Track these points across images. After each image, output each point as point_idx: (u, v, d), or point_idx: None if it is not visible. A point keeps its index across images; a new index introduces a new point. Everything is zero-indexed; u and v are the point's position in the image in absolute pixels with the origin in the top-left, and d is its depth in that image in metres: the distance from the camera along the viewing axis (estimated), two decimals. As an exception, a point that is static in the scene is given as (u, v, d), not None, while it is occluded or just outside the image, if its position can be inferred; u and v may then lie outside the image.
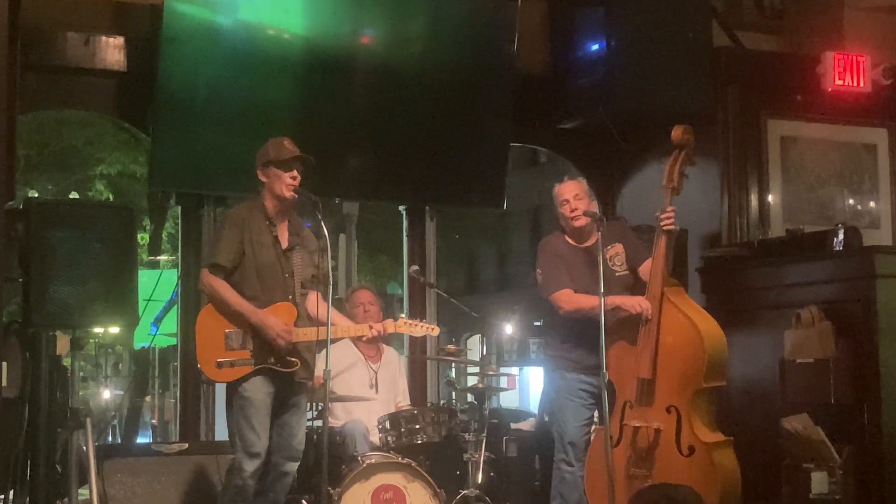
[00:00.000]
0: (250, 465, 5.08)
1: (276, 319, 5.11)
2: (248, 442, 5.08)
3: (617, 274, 5.75)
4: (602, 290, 5.26)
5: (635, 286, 5.78)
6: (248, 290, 5.17)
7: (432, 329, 5.62)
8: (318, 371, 5.32)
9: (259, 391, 5.12)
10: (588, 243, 5.79)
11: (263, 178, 5.29)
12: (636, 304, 5.50)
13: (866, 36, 7.72)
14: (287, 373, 5.17)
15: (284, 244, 5.29)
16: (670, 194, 5.59)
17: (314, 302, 5.29)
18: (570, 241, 5.85)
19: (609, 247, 5.74)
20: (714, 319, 5.58)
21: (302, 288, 5.30)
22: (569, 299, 5.64)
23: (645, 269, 5.74)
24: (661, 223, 5.53)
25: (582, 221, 5.74)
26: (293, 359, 5.17)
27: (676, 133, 5.62)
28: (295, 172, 5.22)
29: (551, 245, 5.87)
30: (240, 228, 5.21)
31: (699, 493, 5.00)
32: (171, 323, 8.94)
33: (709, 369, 5.40)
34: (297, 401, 5.30)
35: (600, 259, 5.39)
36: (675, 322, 5.47)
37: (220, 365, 5.11)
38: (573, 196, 5.79)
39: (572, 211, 5.75)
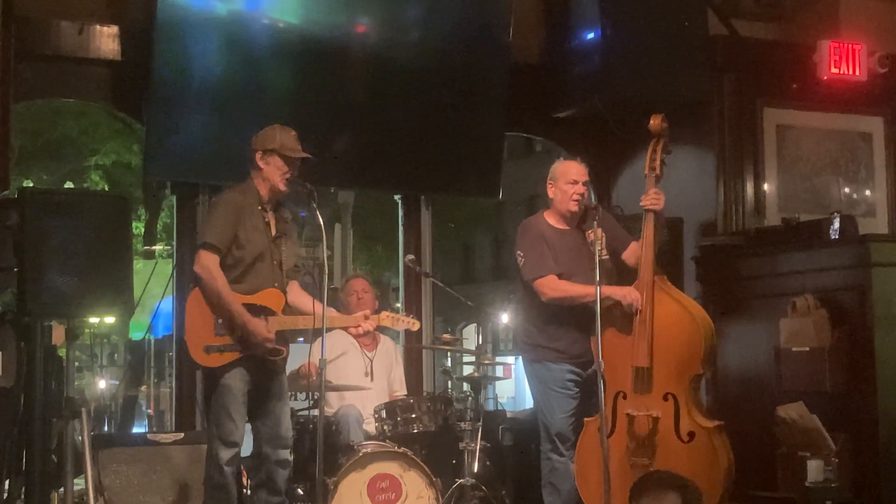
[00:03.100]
0: (226, 454, 5.08)
1: (259, 324, 5.08)
2: (226, 430, 5.08)
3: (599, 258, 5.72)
4: (598, 280, 5.24)
5: (620, 272, 5.75)
6: (237, 275, 5.15)
7: (413, 324, 5.59)
8: (314, 359, 5.31)
9: (238, 380, 5.11)
10: (571, 226, 5.77)
11: (262, 164, 5.23)
12: (626, 294, 5.48)
13: (862, 24, 7.70)
14: (274, 360, 5.18)
15: (273, 232, 5.26)
16: (654, 182, 5.61)
17: (294, 292, 5.30)
18: (553, 222, 5.79)
19: (590, 231, 5.67)
20: (700, 307, 5.64)
21: (286, 277, 5.28)
22: (555, 286, 5.60)
23: (629, 254, 5.73)
24: (645, 204, 5.56)
25: (578, 207, 5.72)
26: (280, 346, 5.17)
27: (655, 122, 5.67)
28: (296, 171, 5.21)
29: (534, 226, 5.80)
30: (236, 211, 5.17)
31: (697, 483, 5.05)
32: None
33: (705, 355, 5.45)
34: (276, 388, 5.29)
35: (596, 253, 5.35)
36: (669, 310, 5.48)
37: (208, 350, 5.10)
38: (584, 180, 5.78)
39: (579, 194, 5.71)
